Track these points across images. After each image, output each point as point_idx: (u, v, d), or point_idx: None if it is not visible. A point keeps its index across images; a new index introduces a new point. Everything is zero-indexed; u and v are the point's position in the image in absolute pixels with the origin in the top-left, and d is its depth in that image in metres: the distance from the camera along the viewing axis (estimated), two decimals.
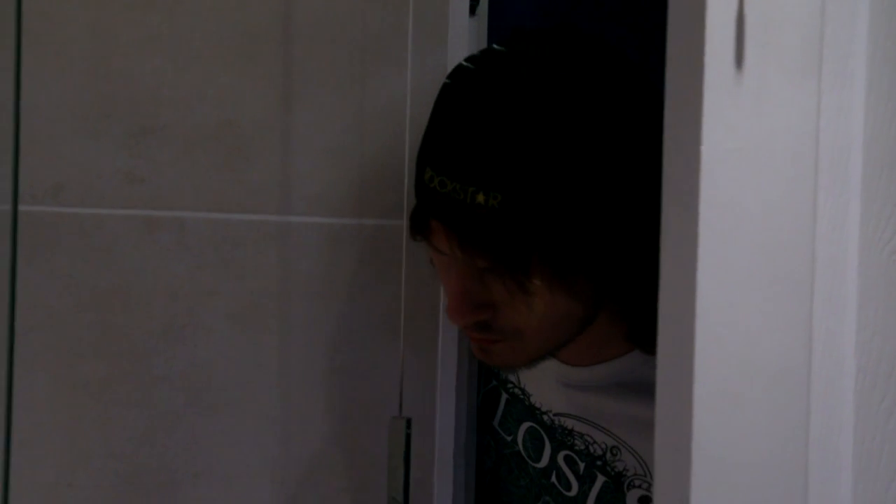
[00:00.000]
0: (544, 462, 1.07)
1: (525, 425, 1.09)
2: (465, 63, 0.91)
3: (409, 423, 1.01)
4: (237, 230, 1.13)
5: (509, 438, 1.12)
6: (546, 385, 1.07)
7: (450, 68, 0.98)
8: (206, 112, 1.12)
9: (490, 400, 1.15)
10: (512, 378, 1.11)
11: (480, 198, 0.86)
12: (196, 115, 1.12)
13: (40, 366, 1.14)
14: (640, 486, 0.99)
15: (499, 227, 0.87)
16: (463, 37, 1.11)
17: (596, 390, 1.01)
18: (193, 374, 1.14)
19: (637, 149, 0.87)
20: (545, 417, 1.07)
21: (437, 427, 1.14)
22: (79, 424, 1.14)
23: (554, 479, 1.06)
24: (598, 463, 1.02)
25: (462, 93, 0.89)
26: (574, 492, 1.04)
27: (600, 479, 1.02)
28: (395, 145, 1.10)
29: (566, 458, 1.05)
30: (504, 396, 1.13)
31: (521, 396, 1.10)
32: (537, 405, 1.08)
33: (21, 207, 1.11)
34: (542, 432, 1.07)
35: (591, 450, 1.02)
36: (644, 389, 0.98)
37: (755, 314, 0.55)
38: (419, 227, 0.94)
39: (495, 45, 0.91)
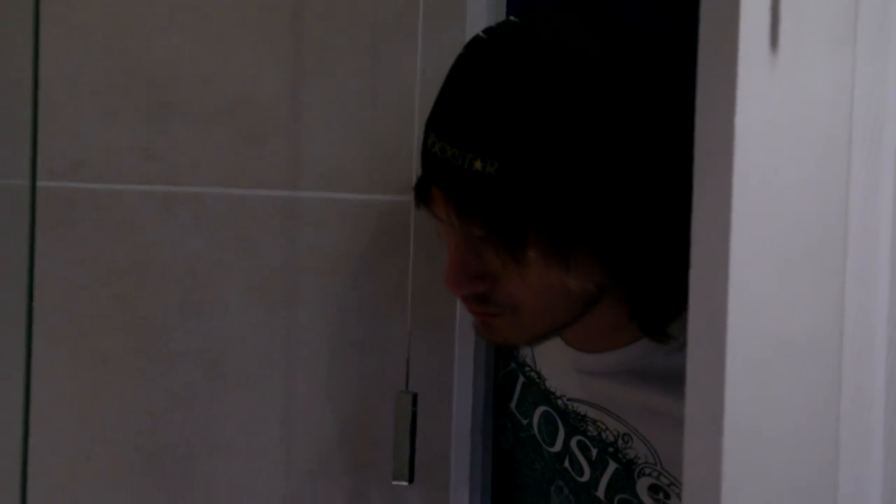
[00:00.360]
0: (558, 447, 1.07)
1: (540, 409, 1.09)
2: (480, 34, 0.90)
3: (415, 398, 1.01)
4: (253, 206, 1.13)
5: (525, 422, 1.12)
6: (560, 369, 1.06)
7: None
8: (222, 88, 1.12)
9: (508, 382, 1.15)
10: (529, 361, 1.11)
11: (478, 165, 0.86)
12: (213, 92, 1.12)
13: (58, 341, 1.14)
14: (650, 475, 0.99)
15: (495, 195, 0.86)
16: (481, 14, 1.10)
17: (607, 377, 1.01)
18: (210, 349, 1.14)
19: (642, 126, 0.86)
20: (559, 402, 1.06)
21: (455, 402, 1.14)
22: (97, 399, 1.15)
23: (567, 463, 1.06)
24: (610, 450, 1.02)
25: (470, 61, 0.89)
26: (586, 477, 1.04)
27: (612, 466, 1.02)
28: (410, 121, 1.10)
29: (579, 443, 1.05)
30: (521, 379, 1.12)
31: (537, 380, 1.09)
32: (552, 389, 1.08)
33: (40, 183, 1.11)
34: (557, 417, 1.07)
35: (604, 436, 1.02)
36: (654, 378, 0.97)
37: (787, 287, 0.54)
38: (421, 194, 0.94)
39: (512, 18, 0.91)
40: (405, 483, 1.01)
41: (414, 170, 1.00)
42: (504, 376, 1.16)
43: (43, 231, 1.11)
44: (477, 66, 0.88)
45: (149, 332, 1.13)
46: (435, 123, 0.90)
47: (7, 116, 1.04)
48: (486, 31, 0.91)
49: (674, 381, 0.82)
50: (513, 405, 1.13)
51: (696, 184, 0.54)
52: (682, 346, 0.58)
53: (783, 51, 0.52)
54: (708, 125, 0.54)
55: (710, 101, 0.53)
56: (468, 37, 1.09)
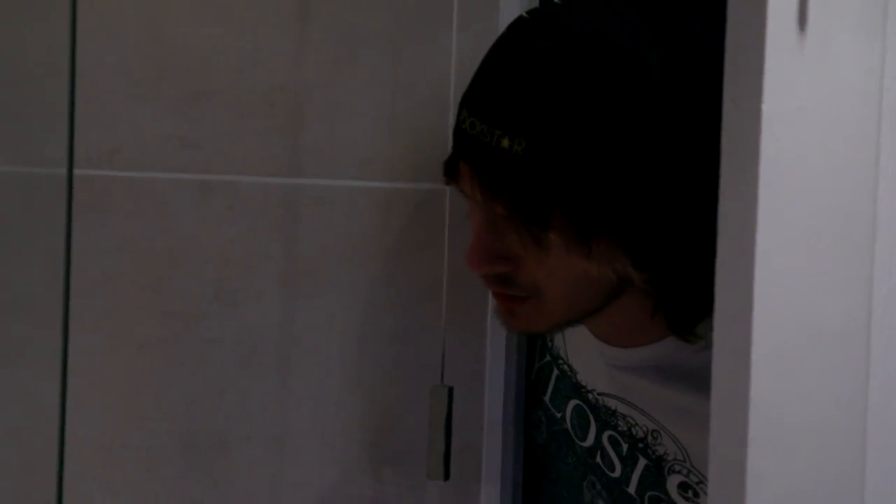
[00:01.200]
0: (590, 441, 1.07)
1: (572, 403, 1.09)
2: (524, 14, 0.90)
3: (450, 392, 1.00)
4: (288, 194, 1.13)
5: (559, 415, 1.11)
6: (591, 363, 1.05)
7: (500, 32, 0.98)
8: (257, 77, 1.12)
9: (543, 375, 1.14)
10: (562, 354, 1.11)
11: (505, 142, 0.85)
12: (248, 80, 1.12)
13: (94, 328, 1.15)
14: (679, 472, 0.98)
15: (520, 174, 0.86)
16: (514, 2, 1.10)
17: (636, 372, 1.00)
18: (244, 337, 1.14)
19: (675, 116, 0.86)
20: (590, 396, 1.06)
21: (487, 394, 1.14)
22: (132, 386, 1.16)
23: (599, 458, 1.06)
24: (640, 445, 1.01)
25: (507, 40, 0.89)
26: (617, 473, 1.04)
27: (642, 462, 1.01)
28: (444, 109, 1.10)
29: (610, 438, 1.04)
30: (555, 372, 1.12)
31: (569, 373, 1.09)
32: (583, 383, 1.07)
33: (77, 171, 1.12)
34: (588, 411, 1.06)
35: (633, 432, 1.01)
36: (681, 376, 0.96)
37: (815, 276, 0.54)
38: (450, 170, 0.94)
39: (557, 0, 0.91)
40: (441, 481, 1.01)
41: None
42: (539, 369, 1.15)
43: (79, 219, 1.12)
44: (512, 44, 0.88)
45: (184, 320, 1.14)
46: (468, 100, 0.90)
47: (45, 105, 1.05)
48: (529, 11, 0.91)
49: (702, 379, 0.82)
50: (547, 398, 1.13)
51: (723, 171, 0.54)
52: (710, 345, 0.57)
53: (811, 37, 0.52)
54: (735, 112, 0.53)
55: (736, 88, 0.53)
56: (503, 24, 1.09)
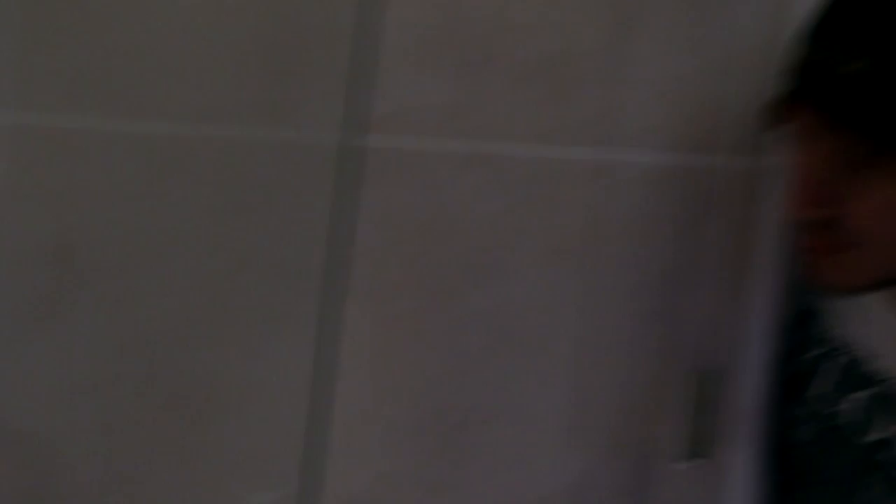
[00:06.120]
0: (878, 435, 1.00)
1: (860, 395, 1.01)
2: None
3: (705, 378, 0.96)
4: (556, 166, 1.10)
5: (826, 412, 1.04)
6: None
7: None
8: (535, 44, 1.09)
9: (804, 368, 1.08)
10: (852, 339, 1.03)
11: (853, 66, 0.81)
12: (525, 47, 1.10)
13: (355, 300, 1.14)
14: None
15: (872, 98, 0.80)
16: None
17: None
18: (499, 314, 1.12)
19: None
20: (888, 384, 0.98)
21: (741, 381, 1.10)
22: (389, 359, 1.14)
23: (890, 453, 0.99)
24: None
25: None
26: None
27: None
28: (739, 76, 1.05)
29: None
30: (826, 365, 1.05)
31: (859, 361, 1.02)
32: (884, 370, 1.00)
33: (348, 140, 1.11)
34: (884, 402, 0.99)
35: None
36: None
37: None
38: (782, 110, 0.89)
39: None
40: (685, 465, 0.97)
41: (738, 128, 0.95)
42: (803, 363, 1.09)
43: (343, 189, 1.11)
44: None
45: (439, 293, 1.12)
46: (808, 31, 0.87)
47: (322, 67, 1.04)
48: None
49: None
50: (812, 394, 1.06)
51: None
52: None
53: None
54: None
55: None
56: None
